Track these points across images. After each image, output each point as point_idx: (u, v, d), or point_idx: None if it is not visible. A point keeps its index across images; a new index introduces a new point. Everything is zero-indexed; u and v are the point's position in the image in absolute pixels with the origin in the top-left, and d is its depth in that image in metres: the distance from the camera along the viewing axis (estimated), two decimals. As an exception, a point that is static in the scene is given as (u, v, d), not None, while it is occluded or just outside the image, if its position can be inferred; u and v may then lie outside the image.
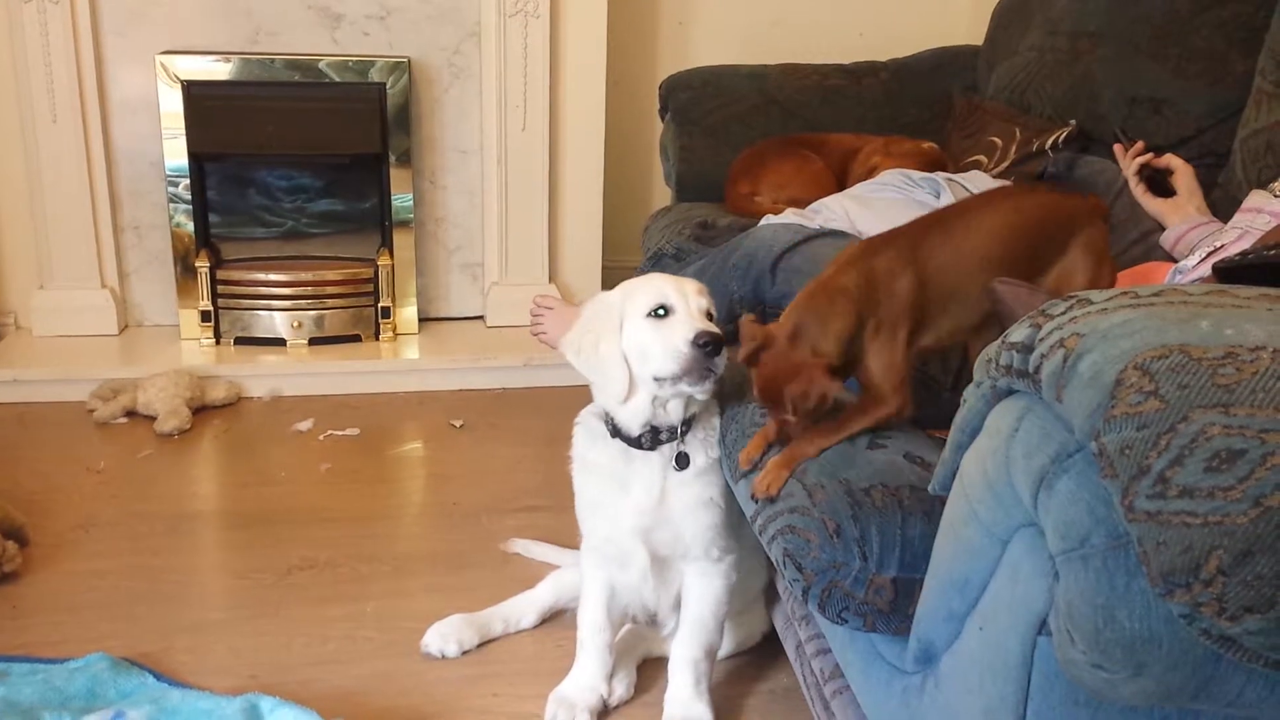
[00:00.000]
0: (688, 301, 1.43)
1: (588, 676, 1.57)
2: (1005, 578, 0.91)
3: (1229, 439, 0.71)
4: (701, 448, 1.48)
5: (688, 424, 1.47)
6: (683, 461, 1.46)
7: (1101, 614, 0.78)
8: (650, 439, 1.46)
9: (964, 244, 1.30)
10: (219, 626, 1.78)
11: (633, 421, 1.46)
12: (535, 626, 1.78)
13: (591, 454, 1.52)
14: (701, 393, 1.42)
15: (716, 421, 1.50)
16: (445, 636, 1.71)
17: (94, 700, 1.53)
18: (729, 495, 1.49)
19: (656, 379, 1.41)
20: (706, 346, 1.36)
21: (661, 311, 1.42)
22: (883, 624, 1.15)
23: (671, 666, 1.56)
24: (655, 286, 1.45)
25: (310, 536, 2.08)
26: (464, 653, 1.70)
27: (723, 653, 1.67)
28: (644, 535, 1.49)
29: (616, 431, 1.48)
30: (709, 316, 1.44)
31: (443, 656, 1.69)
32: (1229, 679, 0.78)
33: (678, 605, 1.58)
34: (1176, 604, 0.73)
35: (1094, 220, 1.35)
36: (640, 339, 1.43)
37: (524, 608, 1.79)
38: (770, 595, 1.70)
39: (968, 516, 0.93)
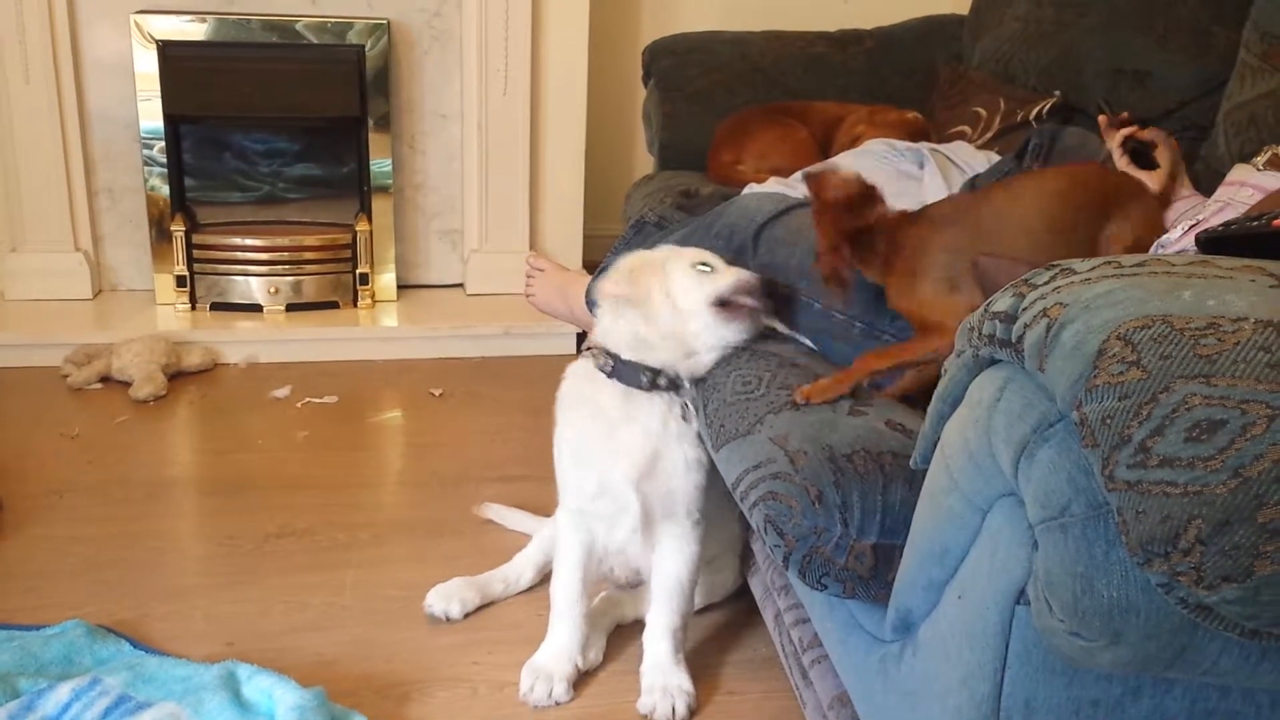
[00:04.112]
0: (727, 267, 1.57)
1: (563, 646, 1.57)
2: (985, 547, 0.91)
3: (1210, 409, 0.71)
4: (693, 410, 1.53)
5: (680, 383, 1.54)
6: (688, 413, 1.53)
7: (1080, 583, 0.78)
8: (650, 380, 1.51)
9: (1008, 209, 1.38)
10: (196, 594, 1.77)
11: (662, 345, 1.51)
12: (533, 585, 1.78)
13: (590, 392, 1.54)
14: (743, 331, 1.52)
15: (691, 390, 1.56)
16: (448, 597, 1.71)
17: (70, 667, 1.53)
18: (710, 461, 1.52)
19: (713, 304, 1.50)
20: (765, 285, 1.52)
21: (705, 268, 1.54)
22: (863, 590, 1.16)
23: (649, 635, 1.56)
24: (696, 251, 1.60)
25: (288, 504, 2.07)
26: (465, 615, 1.71)
27: (693, 608, 1.69)
28: (638, 484, 1.51)
29: (617, 371, 1.52)
30: None
31: (446, 618, 1.70)
32: (1205, 648, 0.79)
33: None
34: (1154, 573, 0.73)
35: (1140, 198, 1.39)
36: (686, 285, 1.52)
37: (521, 567, 1.80)
38: (745, 555, 1.72)
39: (948, 486, 0.94)
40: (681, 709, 1.51)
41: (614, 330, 1.54)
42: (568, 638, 1.57)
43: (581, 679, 1.58)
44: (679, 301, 1.51)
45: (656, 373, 1.51)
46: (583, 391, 1.56)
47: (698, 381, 1.54)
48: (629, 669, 1.60)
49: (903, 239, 1.38)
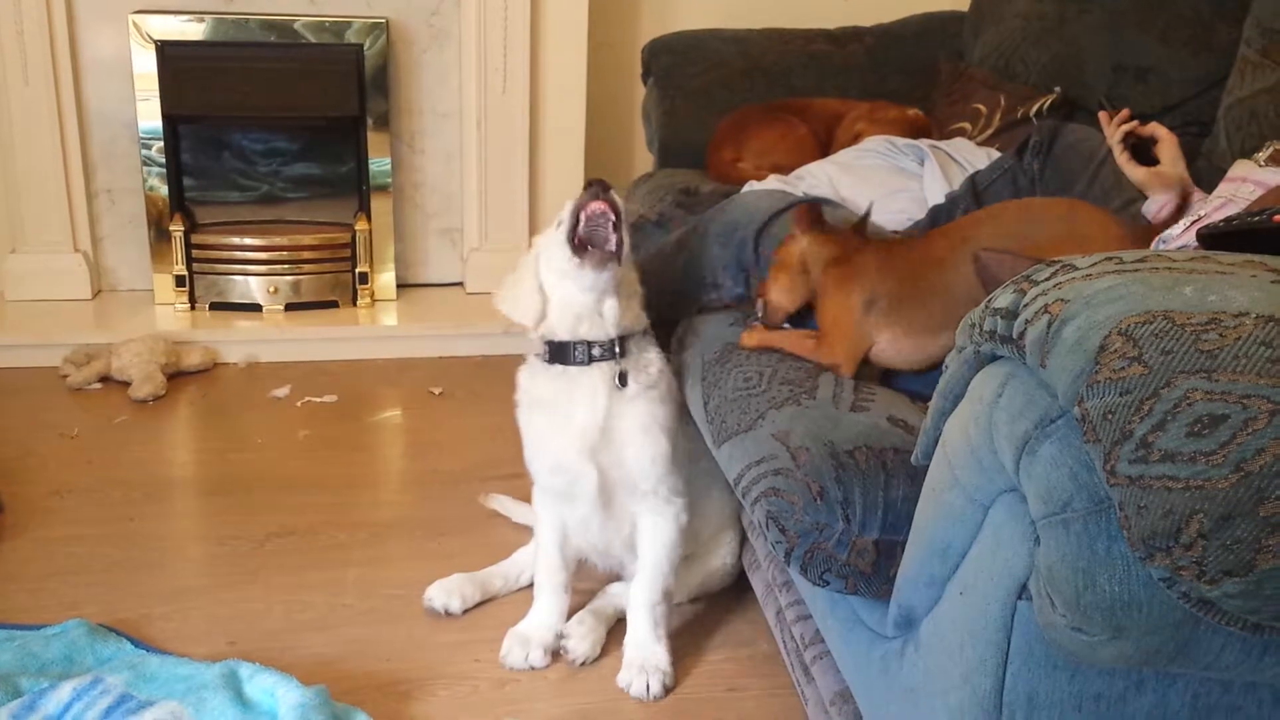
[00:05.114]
0: None
1: (545, 615, 1.63)
2: (987, 543, 0.91)
3: (1211, 404, 0.71)
4: (634, 372, 1.55)
5: (622, 345, 1.55)
6: (623, 380, 1.54)
7: (1082, 578, 0.78)
8: (584, 352, 1.53)
9: (927, 253, 1.46)
10: (197, 593, 1.77)
11: (560, 324, 1.54)
12: (532, 582, 1.78)
13: (535, 388, 1.59)
14: (609, 265, 1.49)
15: (654, 355, 1.59)
16: (449, 591, 1.72)
17: (71, 666, 1.53)
18: (675, 430, 1.57)
19: (572, 251, 1.50)
20: (591, 185, 1.50)
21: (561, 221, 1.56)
22: (864, 586, 1.16)
23: (630, 611, 1.60)
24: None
25: (288, 503, 2.07)
26: (465, 610, 1.72)
27: (688, 594, 1.74)
28: (591, 454, 1.54)
29: (554, 356, 1.55)
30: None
31: (446, 612, 1.71)
32: (1207, 642, 0.78)
33: (630, 546, 1.64)
34: (1156, 567, 0.73)
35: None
36: (553, 250, 1.54)
37: (522, 563, 1.81)
38: (743, 540, 1.74)
39: (950, 482, 0.93)
40: (656, 687, 1.55)
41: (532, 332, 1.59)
42: (549, 607, 1.63)
43: (583, 673, 1.59)
44: (551, 266, 1.54)
45: (590, 344, 1.54)
46: (527, 386, 1.61)
47: (642, 337, 1.59)
48: (631, 666, 1.61)
49: (850, 258, 1.49)
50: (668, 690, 1.56)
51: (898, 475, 1.17)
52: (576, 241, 1.50)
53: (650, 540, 1.59)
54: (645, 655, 1.57)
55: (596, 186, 1.49)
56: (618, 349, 1.54)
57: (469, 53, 2.96)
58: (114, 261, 3.02)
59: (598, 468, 1.54)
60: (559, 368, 1.55)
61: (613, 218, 1.49)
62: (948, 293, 1.38)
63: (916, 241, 1.54)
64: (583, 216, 1.49)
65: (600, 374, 1.54)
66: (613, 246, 1.49)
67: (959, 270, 1.38)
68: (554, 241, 1.54)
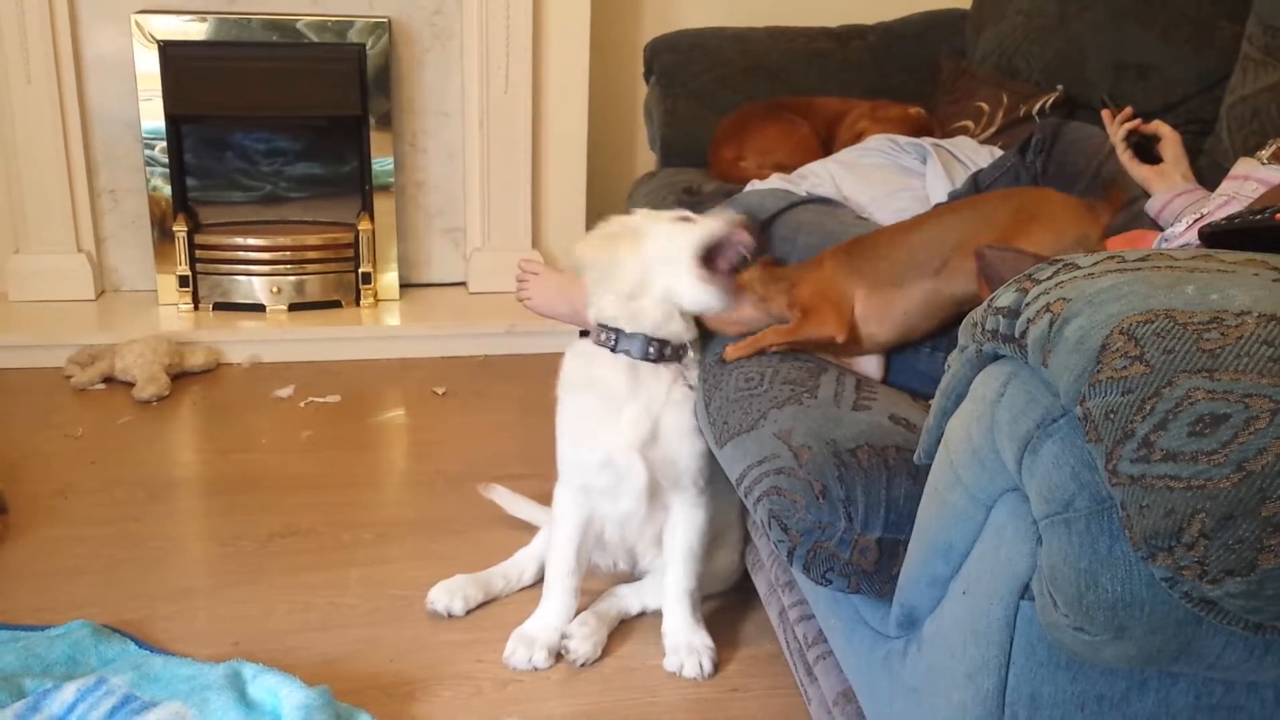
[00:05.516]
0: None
1: (551, 616, 1.62)
2: (989, 542, 0.91)
3: (1213, 403, 0.70)
4: (685, 375, 1.57)
5: (686, 347, 1.57)
6: (692, 379, 1.56)
7: (1084, 578, 0.78)
8: (658, 351, 1.53)
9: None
10: (200, 593, 1.77)
11: (643, 316, 1.53)
12: (535, 582, 1.79)
13: (594, 370, 1.57)
14: (721, 296, 1.50)
15: (693, 358, 1.60)
16: (451, 593, 1.72)
17: (75, 667, 1.53)
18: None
19: (699, 257, 1.50)
20: (747, 218, 1.53)
21: (687, 219, 1.56)
22: (867, 585, 1.16)
23: (667, 599, 1.62)
24: (673, 212, 1.61)
25: (292, 504, 2.07)
26: (468, 611, 1.72)
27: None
28: (643, 450, 1.54)
29: (619, 346, 1.54)
30: None
31: (448, 614, 1.71)
32: (1209, 642, 0.78)
33: (658, 540, 1.65)
34: (1158, 567, 0.73)
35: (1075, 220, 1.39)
36: (664, 240, 1.53)
37: (524, 563, 1.81)
38: (746, 538, 1.74)
39: (952, 482, 0.93)
40: (708, 665, 1.58)
41: (607, 303, 1.56)
42: (557, 609, 1.62)
43: (586, 673, 1.59)
44: (658, 253, 1.53)
45: (663, 343, 1.54)
46: (585, 370, 1.59)
47: (696, 348, 1.59)
48: (635, 665, 1.61)
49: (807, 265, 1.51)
50: (716, 667, 1.59)
51: (900, 474, 1.17)
52: (706, 251, 1.51)
53: (683, 531, 1.61)
54: (690, 638, 1.60)
55: (753, 223, 1.54)
56: (681, 354, 1.57)
57: (471, 52, 2.96)
58: (117, 262, 3.03)
59: (648, 463, 1.55)
60: (622, 358, 1.55)
61: (747, 257, 1.52)
62: (907, 246, 1.42)
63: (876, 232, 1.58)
64: (727, 235, 1.52)
65: (663, 374, 1.55)
66: (728, 267, 1.52)
67: (920, 231, 1.43)
68: (674, 233, 1.54)
